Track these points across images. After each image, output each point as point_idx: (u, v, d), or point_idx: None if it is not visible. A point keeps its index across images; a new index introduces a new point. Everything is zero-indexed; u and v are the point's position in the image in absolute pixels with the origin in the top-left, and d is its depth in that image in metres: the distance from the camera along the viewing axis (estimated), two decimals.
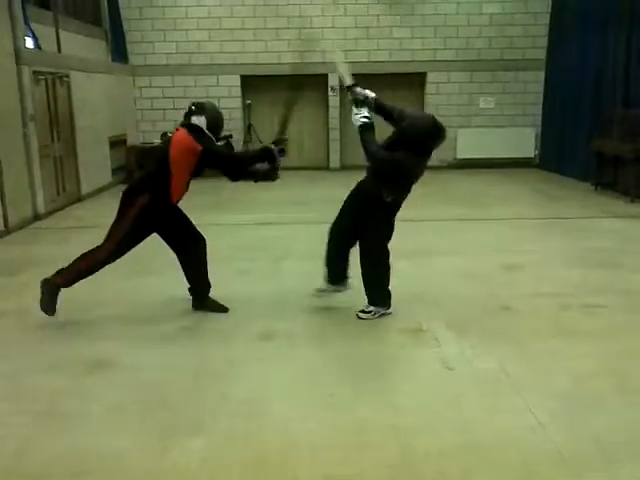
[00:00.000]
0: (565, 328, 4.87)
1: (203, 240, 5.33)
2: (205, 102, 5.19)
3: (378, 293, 5.14)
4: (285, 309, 5.37)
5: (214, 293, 5.45)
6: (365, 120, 4.79)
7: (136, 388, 3.97)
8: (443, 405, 3.72)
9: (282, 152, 5.12)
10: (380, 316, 5.11)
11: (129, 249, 5.13)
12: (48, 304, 4.96)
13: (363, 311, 5.13)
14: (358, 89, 4.90)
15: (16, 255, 7.32)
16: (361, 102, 4.86)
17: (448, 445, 3.31)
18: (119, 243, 5.02)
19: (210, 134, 5.01)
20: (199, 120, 4.97)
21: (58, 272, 5.04)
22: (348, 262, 5.27)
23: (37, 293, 5.02)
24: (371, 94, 4.92)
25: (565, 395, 3.79)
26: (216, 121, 5.07)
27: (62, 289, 5.01)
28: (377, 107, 4.97)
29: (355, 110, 4.85)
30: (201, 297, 5.36)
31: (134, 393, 3.91)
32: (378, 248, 5.12)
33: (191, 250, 5.29)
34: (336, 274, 5.27)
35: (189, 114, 5.02)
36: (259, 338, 4.75)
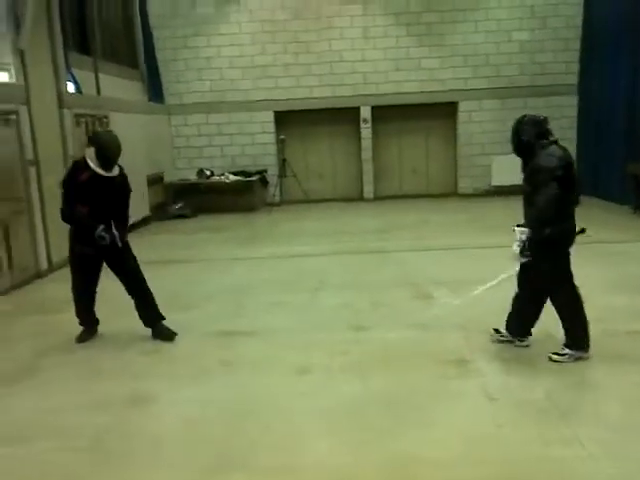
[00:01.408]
0: (611, 355, 4.75)
1: (136, 280, 5.45)
2: (99, 132, 5.42)
3: (573, 334, 4.76)
4: (321, 341, 5.35)
5: (249, 326, 5.50)
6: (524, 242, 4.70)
7: (177, 424, 3.99)
8: (487, 437, 3.65)
9: (103, 239, 5.16)
10: (575, 360, 4.68)
11: (84, 275, 5.40)
12: (79, 338, 5.53)
13: (557, 353, 4.74)
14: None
15: (59, 293, 7.43)
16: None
17: (493, 478, 3.24)
18: (72, 275, 5.46)
19: (94, 164, 5.13)
20: (89, 151, 5.19)
21: None
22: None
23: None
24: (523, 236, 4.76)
25: (616, 425, 3.68)
26: (102, 151, 5.14)
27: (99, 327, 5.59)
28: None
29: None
30: (152, 329, 5.52)
31: (175, 429, 3.93)
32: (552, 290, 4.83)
33: (130, 289, 5.48)
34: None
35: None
36: (297, 372, 4.73)
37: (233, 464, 3.48)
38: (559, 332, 5.21)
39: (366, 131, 14.28)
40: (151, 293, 5.50)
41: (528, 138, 4.66)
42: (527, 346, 4.95)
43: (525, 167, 4.76)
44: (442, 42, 13.94)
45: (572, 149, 13.88)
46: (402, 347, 5.15)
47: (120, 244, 5.33)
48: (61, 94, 9.09)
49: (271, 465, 3.46)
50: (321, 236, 10.35)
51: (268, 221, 12.47)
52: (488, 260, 8.08)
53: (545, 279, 4.77)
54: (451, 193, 14.53)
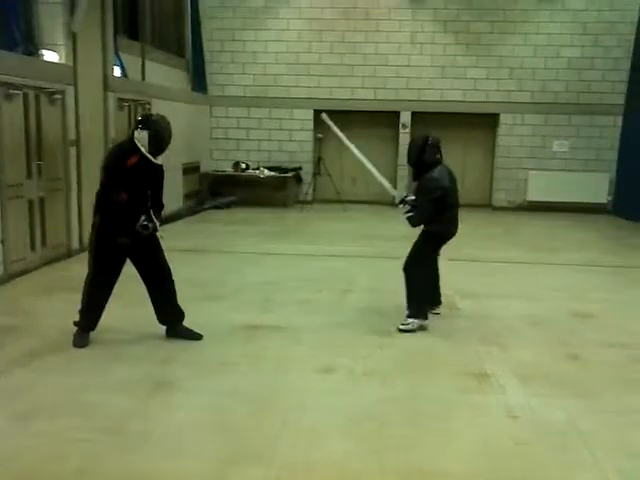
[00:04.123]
0: (637, 381, 4.67)
1: (167, 275, 5.25)
2: (153, 115, 5.10)
3: (415, 307, 5.71)
4: (347, 343, 5.36)
5: (276, 321, 5.57)
6: (409, 215, 5.67)
7: (198, 413, 4.03)
8: (505, 455, 3.61)
9: (146, 228, 5.02)
10: (419, 327, 5.64)
11: (111, 271, 5.11)
12: (75, 342, 5.12)
13: (403, 324, 5.68)
14: (407, 199, 5.79)
15: None
16: (411, 206, 5.72)
17: None
18: (94, 269, 5.13)
19: (145, 149, 4.93)
20: (141, 135, 4.91)
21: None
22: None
23: (109, 310, 5.21)
24: (411, 195, 5.82)
25: (639, 454, 3.61)
26: (158, 136, 4.95)
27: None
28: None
29: (406, 212, 5.72)
30: (173, 327, 5.33)
31: (196, 417, 3.96)
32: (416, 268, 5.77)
33: (156, 284, 5.24)
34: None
35: (134, 127, 5.02)
36: (320, 370, 4.74)
37: (252, 457, 3.49)
38: (581, 354, 5.17)
39: (404, 136, 14.21)
40: (175, 289, 5.30)
41: (429, 158, 5.56)
42: (438, 314, 6.08)
43: (416, 178, 5.74)
44: (489, 53, 13.83)
45: (611, 170, 13.71)
46: (425, 356, 5.14)
47: (161, 234, 5.25)
48: (107, 77, 9.22)
49: (289, 462, 3.47)
50: (351, 238, 10.34)
51: (300, 218, 12.51)
52: (515, 275, 8.03)
53: (411, 256, 5.78)
54: (485, 205, 14.41)
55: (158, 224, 5.15)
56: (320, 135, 14.00)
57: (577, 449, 3.67)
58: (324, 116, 6.96)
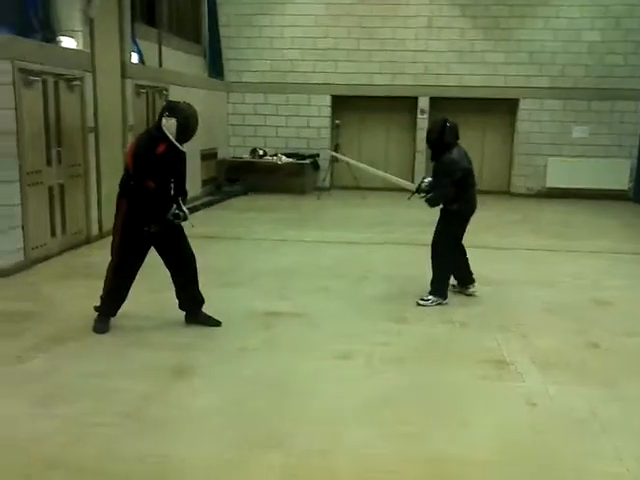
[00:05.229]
0: None
1: (191, 261, 5.26)
2: (180, 103, 5.08)
3: (438, 285, 6.02)
4: (363, 330, 5.35)
5: (294, 308, 5.58)
6: (429, 196, 5.97)
7: (217, 398, 4.05)
8: (524, 443, 3.60)
9: (178, 217, 5.06)
10: (437, 304, 5.96)
11: (136, 258, 5.12)
12: (96, 328, 5.16)
13: (422, 299, 6.01)
14: (423, 185, 6.08)
15: (107, 259, 7.62)
16: (427, 190, 6.02)
17: None
18: (119, 256, 5.11)
19: (173, 137, 4.90)
20: (169, 122, 4.87)
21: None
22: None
23: (131, 295, 5.24)
24: (426, 179, 6.14)
25: None
26: (186, 124, 4.92)
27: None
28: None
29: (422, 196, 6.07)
30: (193, 313, 5.35)
31: (215, 403, 3.98)
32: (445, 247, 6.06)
33: (180, 271, 5.24)
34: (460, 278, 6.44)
35: (161, 115, 4.98)
36: (338, 357, 4.75)
37: (270, 444, 3.51)
38: (602, 343, 5.13)
39: (422, 122, 14.11)
40: (197, 276, 5.31)
41: (448, 140, 5.81)
42: (474, 292, 6.36)
43: (434, 157, 5.99)
44: (508, 37, 13.65)
45: (632, 157, 13.52)
46: (443, 343, 5.13)
47: (192, 223, 5.27)
48: (125, 64, 9.23)
49: (308, 449, 3.48)
50: (369, 225, 10.31)
51: (317, 205, 12.49)
52: (535, 262, 7.97)
53: (437, 235, 6.07)
54: (503, 191, 14.29)
55: (188, 212, 5.18)
56: (338, 121, 13.94)
57: (597, 437, 3.65)
58: (330, 152, 7.85)
